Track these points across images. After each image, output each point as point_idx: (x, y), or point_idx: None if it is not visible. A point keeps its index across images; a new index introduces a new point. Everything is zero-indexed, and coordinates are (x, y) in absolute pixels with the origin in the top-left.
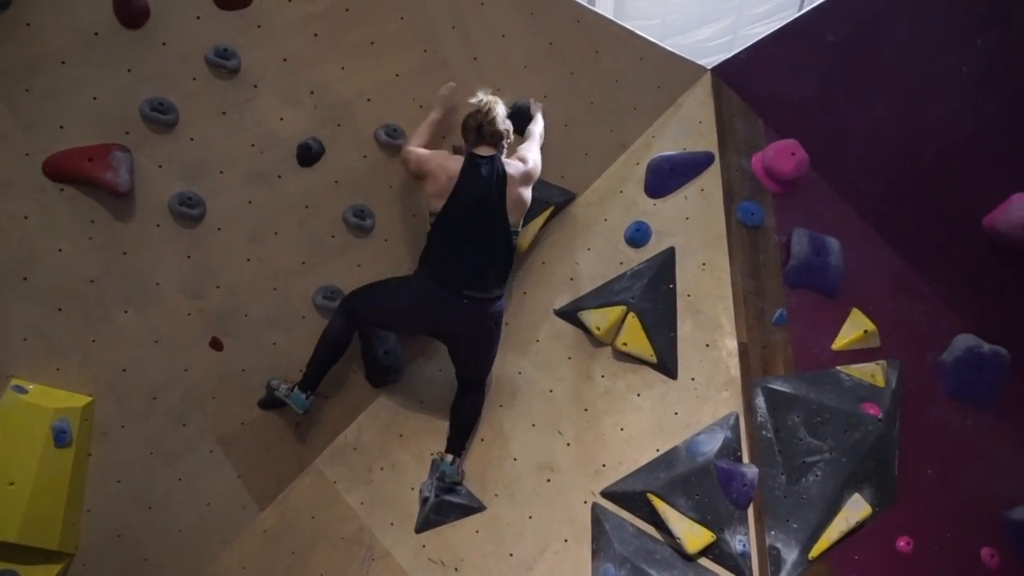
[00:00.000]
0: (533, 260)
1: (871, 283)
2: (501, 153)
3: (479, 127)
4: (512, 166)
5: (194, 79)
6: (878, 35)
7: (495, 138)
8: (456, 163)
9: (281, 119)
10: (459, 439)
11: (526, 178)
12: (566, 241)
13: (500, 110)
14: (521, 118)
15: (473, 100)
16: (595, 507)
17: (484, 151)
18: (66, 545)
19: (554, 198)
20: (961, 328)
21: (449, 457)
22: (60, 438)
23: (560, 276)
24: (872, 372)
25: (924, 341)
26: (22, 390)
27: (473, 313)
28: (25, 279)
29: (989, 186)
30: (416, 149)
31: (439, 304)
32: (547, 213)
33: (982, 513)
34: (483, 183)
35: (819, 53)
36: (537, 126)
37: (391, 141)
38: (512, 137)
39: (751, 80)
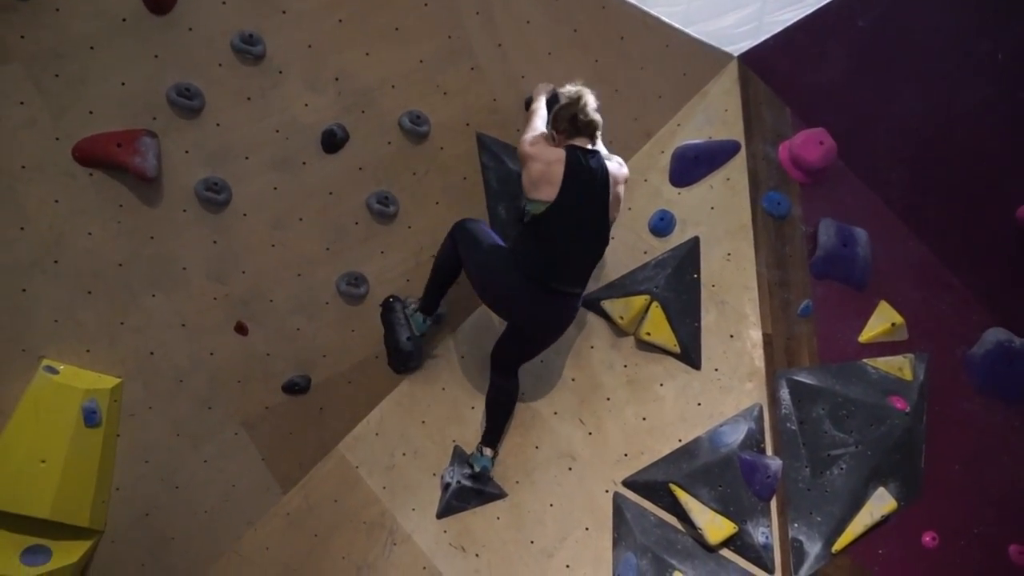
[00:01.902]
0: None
1: (899, 275)
2: (595, 144)
3: (573, 118)
4: (613, 163)
5: (220, 65)
6: (910, 20)
7: (590, 128)
8: (556, 151)
9: (306, 105)
10: (497, 431)
11: (624, 178)
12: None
13: (592, 100)
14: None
15: (563, 91)
16: (616, 496)
17: (581, 142)
18: (96, 522)
19: None
20: (991, 322)
21: (489, 452)
22: (90, 418)
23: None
24: (899, 365)
25: (953, 335)
26: (53, 371)
27: (558, 306)
28: (56, 262)
29: (1022, 177)
30: (533, 141)
31: (528, 300)
32: None
33: (1010, 509)
34: (590, 181)
35: (848, 39)
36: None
37: (415, 128)
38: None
39: (778, 67)
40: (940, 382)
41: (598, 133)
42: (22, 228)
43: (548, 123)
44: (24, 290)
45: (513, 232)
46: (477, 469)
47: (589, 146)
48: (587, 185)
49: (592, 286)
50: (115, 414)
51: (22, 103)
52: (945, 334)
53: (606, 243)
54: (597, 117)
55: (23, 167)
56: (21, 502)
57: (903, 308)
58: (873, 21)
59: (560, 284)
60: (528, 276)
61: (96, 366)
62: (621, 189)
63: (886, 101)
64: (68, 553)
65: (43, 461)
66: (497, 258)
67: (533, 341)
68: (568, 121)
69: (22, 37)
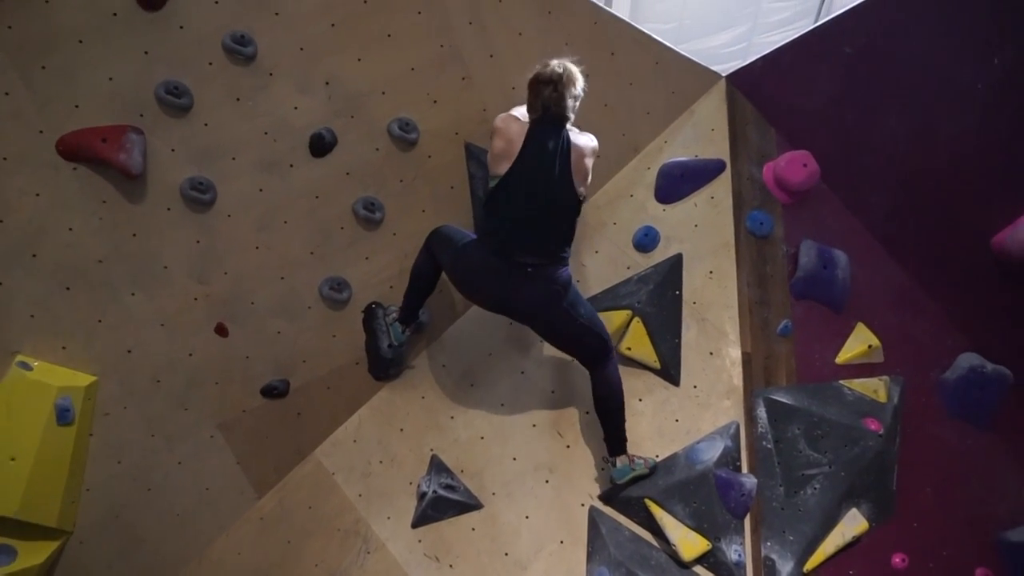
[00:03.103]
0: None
1: (877, 298)
2: (567, 123)
3: (547, 107)
4: (580, 137)
5: (210, 64)
6: (895, 48)
7: (558, 121)
8: (521, 128)
9: (295, 108)
10: (615, 434)
11: (592, 151)
12: (574, 243)
13: (574, 90)
14: None
15: (545, 69)
16: (592, 510)
17: (549, 121)
18: (64, 523)
19: None
20: (965, 347)
21: (617, 460)
22: (63, 416)
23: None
24: (875, 387)
25: (927, 358)
26: (27, 367)
27: (538, 281)
28: (34, 256)
29: (999, 205)
30: (504, 117)
31: (501, 277)
32: None
33: (978, 533)
34: (545, 152)
35: (835, 64)
36: None
37: (404, 135)
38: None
39: (765, 89)
40: (914, 405)
41: (568, 123)
42: (1, 220)
43: (527, 94)
44: (0, 284)
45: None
46: (611, 484)
47: (555, 123)
48: (541, 156)
49: None
50: (89, 412)
51: (7, 94)
52: (920, 358)
53: (570, 212)
54: (569, 113)
55: (5, 158)
56: None
57: (880, 331)
58: (859, 48)
59: (523, 255)
60: (491, 251)
61: (71, 363)
62: (589, 162)
63: (869, 127)
64: (34, 553)
65: (12, 459)
66: (467, 246)
67: (537, 325)
68: (543, 107)
69: (9, 27)
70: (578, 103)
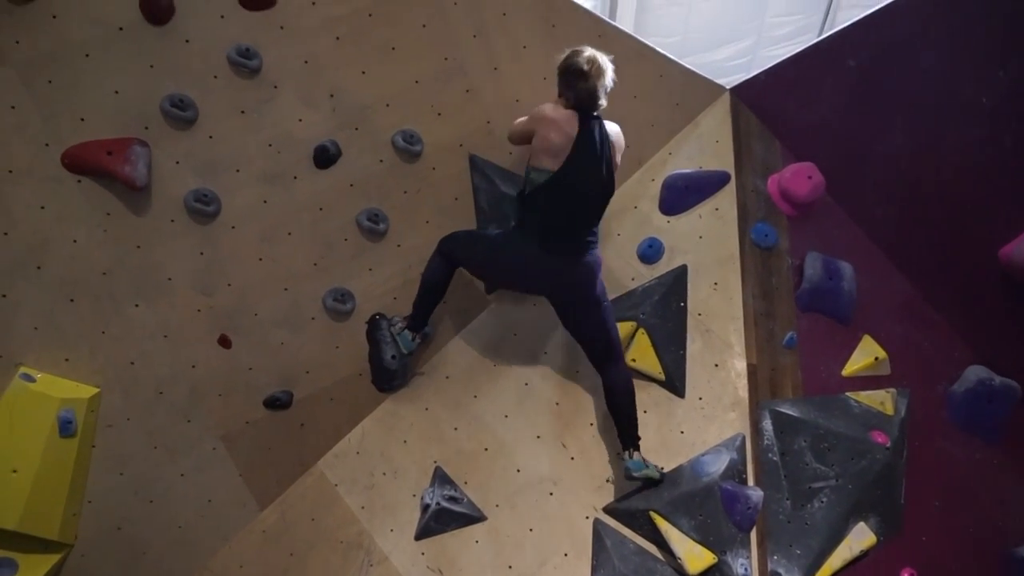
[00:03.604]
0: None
1: (883, 310)
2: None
3: (591, 97)
4: (612, 130)
5: (215, 77)
6: (899, 62)
7: (597, 107)
8: (570, 124)
9: (300, 120)
10: (628, 430)
11: (621, 147)
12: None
13: (605, 80)
14: None
15: (577, 60)
16: (596, 523)
17: (586, 113)
18: (65, 535)
19: None
20: (973, 360)
21: (627, 454)
22: (65, 428)
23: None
24: (881, 400)
25: (935, 371)
26: (30, 378)
27: (579, 266)
28: (39, 268)
29: (1005, 218)
30: (554, 108)
31: (543, 266)
32: None
33: (988, 549)
34: (594, 154)
35: (839, 77)
36: None
37: (408, 147)
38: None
39: (770, 101)
40: (921, 418)
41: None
42: (6, 233)
43: (558, 74)
44: (4, 295)
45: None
46: (626, 474)
47: (594, 113)
48: (592, 154)
49: None
50: (91, 424)
51: (13, 107)
52: (927, 370)
53: (607, 202)
54: (604, 97)
55: (10, 171)
56: None
57: (886, 343)
58: (864, 61)
59: (567, 244)
60: (535, 240)
61: (74, 375)
62: (618, 157)
63: (874, 139)
64: (36, 566)
65: (14, 471)
66: (506, 238)
67: (565, 306)
68: (588, 98)
69: (17, 42)
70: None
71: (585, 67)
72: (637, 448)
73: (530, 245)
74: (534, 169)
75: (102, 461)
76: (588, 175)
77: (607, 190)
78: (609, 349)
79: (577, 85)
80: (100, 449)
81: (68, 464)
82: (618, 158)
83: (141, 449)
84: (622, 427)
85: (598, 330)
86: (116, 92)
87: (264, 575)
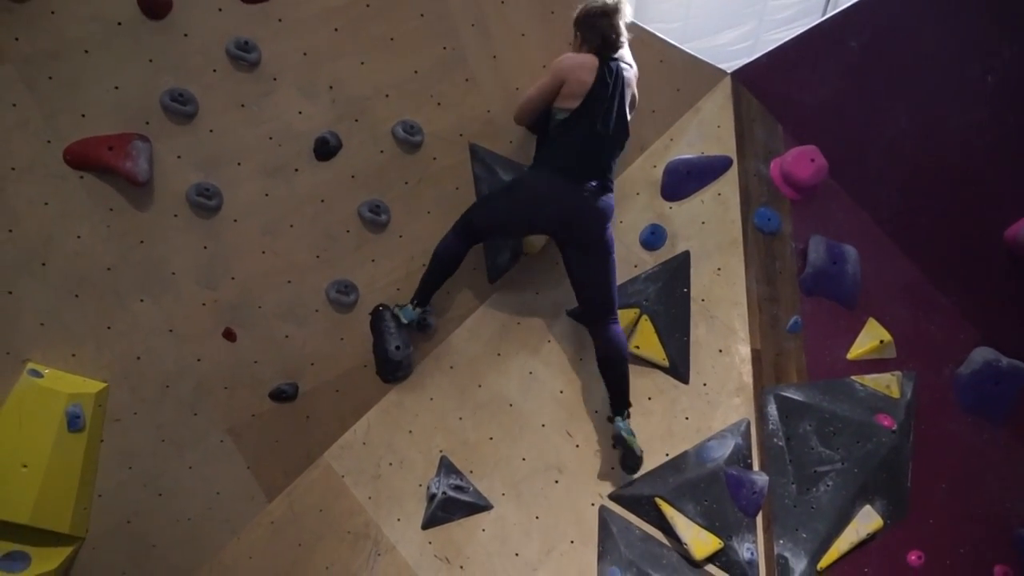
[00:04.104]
0: (546, 260)
1: (888, 293)
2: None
3: (607, 37)
4: (627, 69)
5: (214, 71)
6: (902, 42)
7: (617, 48)
8: (592, 64)
9: (299, 113)
10: (619, 395)
11: (635, 79)
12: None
13: (624, 17)
14: None
15: (596, 2)
16: (602, 510)
17: (608, 51)
18: (77, 529)
19: None
20: (979, 341)
21: (620, 418)
22: (73, 423)
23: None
24: (887, 383)
25: (941, 353)
26: (38, 374)
27: (596, 203)
28: (43, 264)
29: (1010, 198)
30: (571, 58)
31: (561, 195)
32: None
33: (996, 530)
34: (611, 84)
35: (841, 59)
36: None
37: (408, 137)
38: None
39: (771, 85)
40: (927, 401)
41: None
42: (10, 230)
43: (576, 25)
44: (11, 292)
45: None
46: (615, 440)
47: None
48: (611, 87)
49: None
50: (99, 419)
51: (14, 105)
52: (933, 353)
53: (625, 139)
54: (625, 40)
55: (13, 168)
56: (1, 507)
57: (891, 326)
58: (865, 42)
59: (586, 179)
60: (556, 174)
61: (81, 370)
62: (634, 89)
63: (877, 121)
64: (48, 560)
65: (24, 466)
66: (523, 178)
67: (575, 248)
68: (602, 39)
69: (16, 39)
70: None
71: (606, 7)
72: (629, 414)
73: (547, 177)
74: (559, 110)
75: (111, 455)
76: (606, 111)
77: (621, 127)
78: (607, 304)
79: (600, 24)
80: (108, 443)
81: (77, 458)
82: (635, 90)
83: (149, 443)
84: (614, 391)
85: (601, 278)
86: (116, 87)
87: (273, 566)
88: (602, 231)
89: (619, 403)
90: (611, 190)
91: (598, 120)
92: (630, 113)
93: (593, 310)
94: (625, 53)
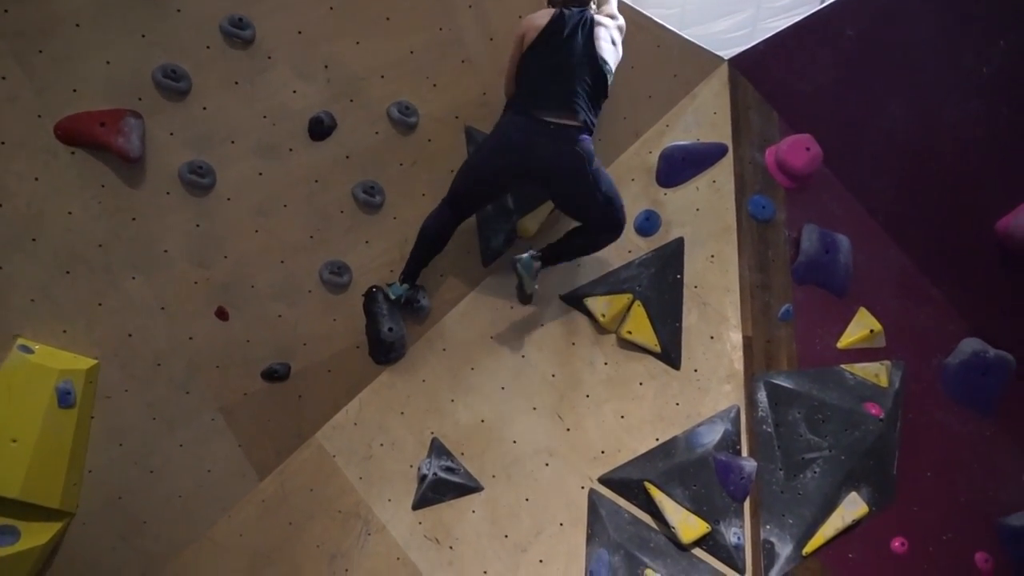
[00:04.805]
0: (541, 244)
1: (879, 283)
2: (589, 9)
3: None
4: (600, 16)
5: (208, 48)
6: (899, 31)
7: (582, 0)
8: (544, 15)
9: (294, 92)
10: (555, 249)
11: (617, 29)
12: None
13: None
14: None
15: None
16: (592, 493)
17: (572, 2)
18: (67, 504)
19: None
20: (968, 332)
21: (533, 251)
22: (64, 399)
23: (567, 262)
24: (876, 372)
25: (930, 343)
26: (28, 350)
27: (561, 141)
28: (34, 240)
29: (1003, 190)
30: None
31: (525, 135)
32: None
33: (979, 518)
34: (572, 26)
35: (838, 48)
36: None
37: (404, 119)
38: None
39: (768, 73)
40: (915, 390)
41: (591, 5)
42: (1, 205)
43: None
44: (1, 268)
45: None
46: (516, 267)
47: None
48: (563, 28)
49: (575, 283)
50: (90, 396)
51: (4, 79)
52: (922, 343)
53: (595, 80)
54: None
55: (3, 143)
56: None
57: (882, 316)
58: (862, 31)
59: (545, 113)
60: (517, 113)
61: (72, 347)
62: (617, 35)
63: (872, 110)
64: (37, 534)
65: (14, 440)
66: (494, 129)
67: (552, 185)
68: None
69: (6, 11)
70: None
71: None
72: (545, 259)
73: (512, 119)
74: (522, 56)
75: (101, 432)
76: (564, 46)
77: (586, 61)
78: (606, 227)
79: None
80: (99, 420)
81: (67, 434)
82: (612, 36)
83: (140, 420)
84: (556, 247)
85: (586, 212)
86: (108, 63)
87: (263, 544)
88: (576, 174)
89: (550, 252)
90: (585, 130)
91: (556, 52)
92: (608, 56)
93: (588, 227)
94: (607, 7)
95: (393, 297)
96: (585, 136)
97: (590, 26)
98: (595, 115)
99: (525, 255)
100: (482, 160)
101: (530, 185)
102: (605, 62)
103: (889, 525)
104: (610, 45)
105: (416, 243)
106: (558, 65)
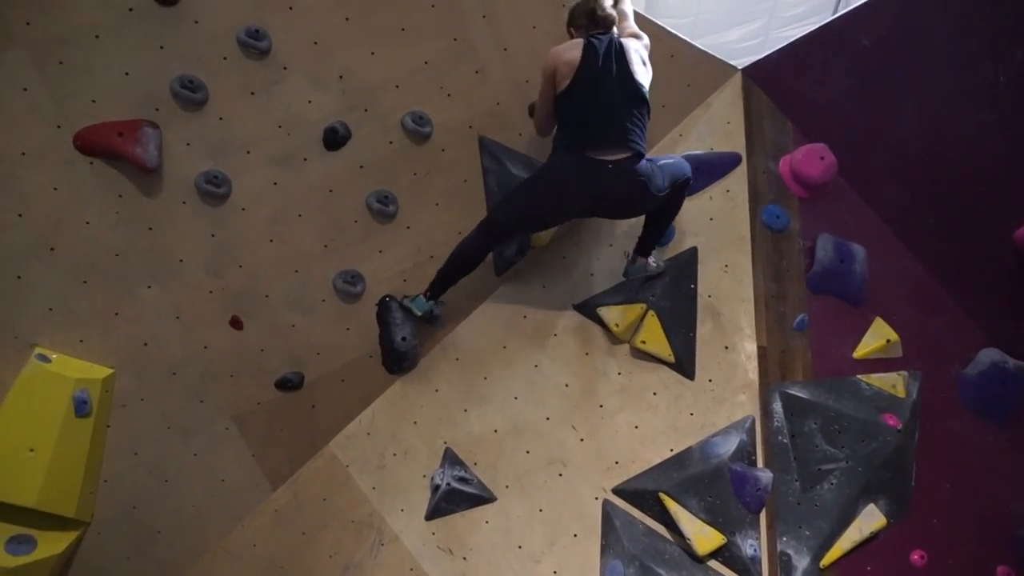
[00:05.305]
0: (554, 254)
1: (895, 292)
2: (613, 32)
3: (591, 13)
4: (628, 40)
5: (224, 58)
6: (914, 41)
7: (607, 23)
8: (577, 45)
9: (309, 102)
10: (646, 239)
11: (644, 48)
12: (588, 236)
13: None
14: None
15: None
16: (606, 504)
17: (597, 28)
18: (83, 513)
19: None
20: (986, 342)
21: (639, 259)
22: (80, 408)
23: (581, 271)
24: (893, 382)
25: (947, 354)
26: (45, 359)
27: (621, 176)
28: (52, 250)
29: (1021, 199)
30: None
31: (583, 178)
32: None
33: (999, 531)
34: (604, 54)
35: (852, 57)
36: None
37: (417, 128)
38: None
39: (782, 82)
40: (933, 401)
41: (614, 28)
42: (20, 215)
43: (567, 23)
44: (19, 277)
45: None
46: (626, 269)
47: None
48: (599, 58)
49: (588, 293)
50: (106, 405)
51: (25, 89)
52: (939, 353)
53: (637, 104)
54: (612, 12)
55: (23, 153)
56: (8, 490)
57: (898, 325)
58: (877, 40)
59: (600, 153)
60: (570, 156)
61: (89, 356)
62: (644, 54)
63: (887, 119)
64: (53, 543)
65: (31, 450)
66: (542, 168)
67: (620, 216)
68: (586, 16)
69: (27, 24)
70: (620, 4)
71: None
72: (648, 254)
73: (563, 159)
74: (559, 94)
75: (117, 441)
76: (603, 77)
77: (628, 88)
78: (680, 194)
79: (579, 11)
80: (115, 429)
81: (84, 444)
82: (643, 56)
83: (155, 429)
84: (647, 235)
85: (663, 203)
86: (126, 73)
87: (276, 554)
88: (641, 199)
89: (646, 248)
90: (639, 158)
91: (597, 87)
92: (643, 79)
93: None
94: (627, 27)
95: (419, 313)
96: (641, 163)
97: (620, 51)
98: (644, 135)
99: (631, 267)
100: (536, 200)
101: (580, 216)
102: (642, 86)
103: (908, 538)
104: (642, 67)
105: (448, 264)
106: (603, 101)
